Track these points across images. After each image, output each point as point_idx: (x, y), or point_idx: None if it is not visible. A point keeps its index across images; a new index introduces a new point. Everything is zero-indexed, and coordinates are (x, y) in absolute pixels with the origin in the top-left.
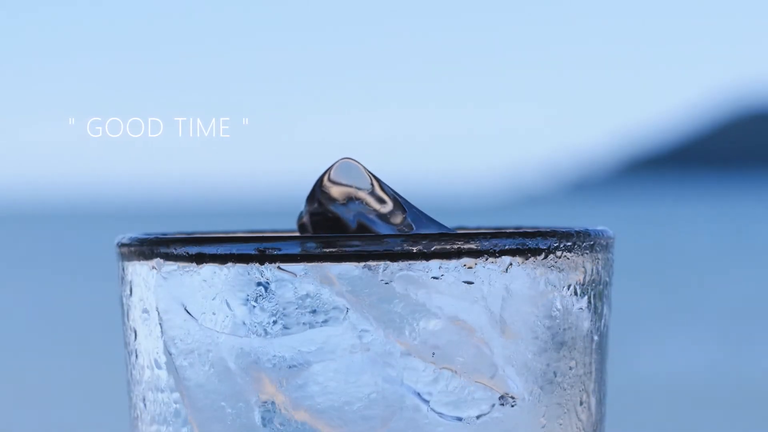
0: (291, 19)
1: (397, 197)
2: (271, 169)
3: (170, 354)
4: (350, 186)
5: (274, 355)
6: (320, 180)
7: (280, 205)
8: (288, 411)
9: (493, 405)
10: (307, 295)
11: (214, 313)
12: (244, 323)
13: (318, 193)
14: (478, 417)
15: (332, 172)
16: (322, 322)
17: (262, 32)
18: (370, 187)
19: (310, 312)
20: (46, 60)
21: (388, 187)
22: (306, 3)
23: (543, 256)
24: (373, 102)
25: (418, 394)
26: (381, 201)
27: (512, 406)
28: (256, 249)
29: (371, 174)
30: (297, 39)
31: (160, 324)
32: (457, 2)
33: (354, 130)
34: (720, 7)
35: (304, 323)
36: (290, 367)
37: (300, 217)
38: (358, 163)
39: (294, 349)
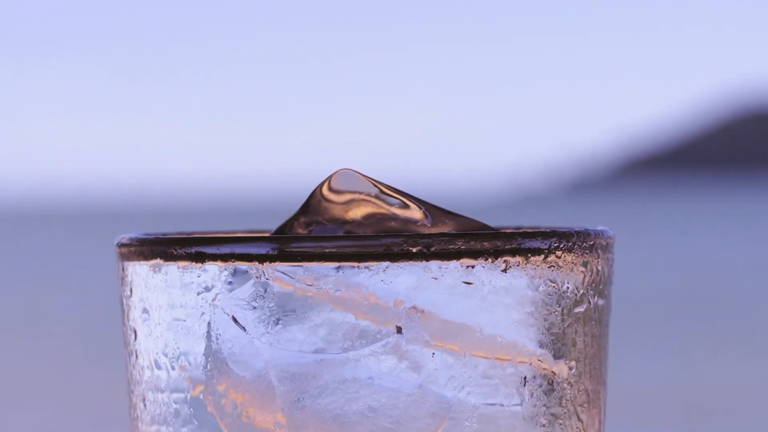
0: (290, 20)
1: (407, 194)
2: (270, 169)
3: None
4: (355, 192)
5: (275, 356)
6: (318, 191)
7: (280, 205)
8: (290, 412)
9: (492, 406)
10: (308, 296)
11: (214, 314)
12: (245, 324)
13: (318, 203)
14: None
15: (331, 182)
16: (324, 322)
17: (262, 33)
18: (376, 190)
19: (311, 312)
20: (46, 60)
21: (394, 187)
22: (307, 4)
23: (543, 256)
24: (373, 103)
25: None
26: (393, 201)
27: (512, 407)
28: (256, 249)
29: (372, 179)
30: (298, 39)
31: (160, 324)
32: (457, 3)
33: (354, 131)
34: (720, 7)
35: (305, 323)
36: (292, 368)
37: (287, 229)
38: (356, 171)
39: (296, 349)
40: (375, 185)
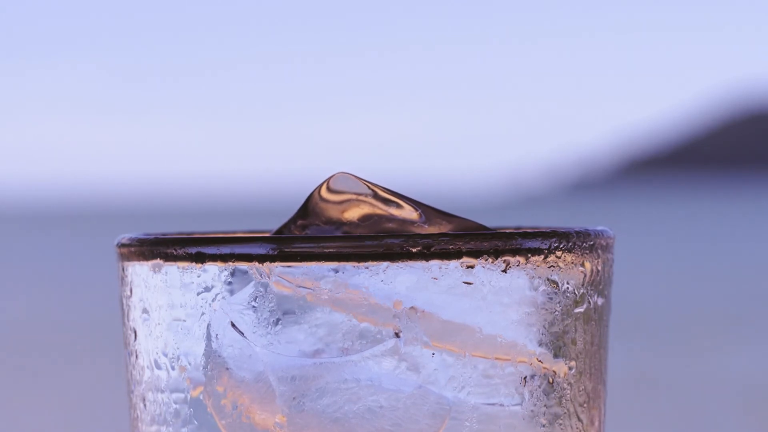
0: (290, 20)
1: (403, 196)
2: (270, 170)
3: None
4: (353, 193)
5: (275, 357)
6: (316, 193)
7: (280, 205)
8: (290, 413)
9: (492, 406)
10: (308, 296)
11: (214, 315)
12: (244, 324)
13: (315, 205)
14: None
15: (329, 184)
16: (324, 322)
17: (262, 33)
18: (372, 192)
19: (311, 312)
20: (46, 60)
21: (390, 189)
22: (307, 4)
23: (543, 256)
24: (373, 103)
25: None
26: (389, 202)
27: (513, 407)
28: (256, 249)
29: (369, 182)
30: (298, 39)
31: (159, 324)
32: (457, 2)
33: (353, 131)
34: (719, 7)
35: (305, 324)
36: (292, 370)
37: (285, 231)
38: (352, 174)
39: (296, 350)
40: (371, 188)
